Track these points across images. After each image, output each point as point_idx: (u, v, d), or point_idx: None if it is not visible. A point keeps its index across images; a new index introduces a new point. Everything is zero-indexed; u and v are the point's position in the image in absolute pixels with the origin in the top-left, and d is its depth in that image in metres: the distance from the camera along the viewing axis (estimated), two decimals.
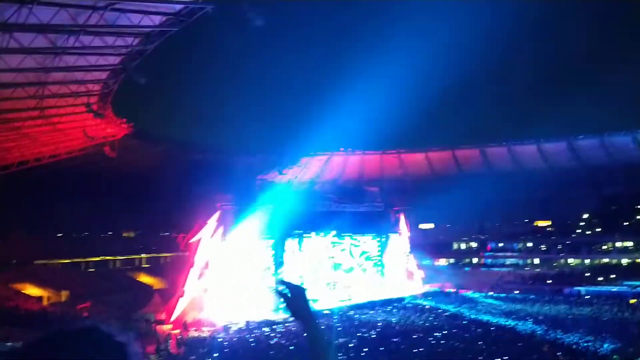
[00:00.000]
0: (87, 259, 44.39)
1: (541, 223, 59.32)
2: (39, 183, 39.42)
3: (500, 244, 58.56)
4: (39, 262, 39.81)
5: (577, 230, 56.17)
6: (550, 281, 46.56)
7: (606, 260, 51.24)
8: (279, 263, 37.69)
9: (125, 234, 51.86)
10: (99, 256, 45.01)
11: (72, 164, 39.68)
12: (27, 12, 18.28)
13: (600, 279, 45.06)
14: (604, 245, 52.97)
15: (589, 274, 47.53)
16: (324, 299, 38.95)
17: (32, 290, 35.95)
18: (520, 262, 55.61)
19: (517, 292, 41.87)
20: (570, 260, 53.57)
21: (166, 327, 30.45)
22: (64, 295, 36.68)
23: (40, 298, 35.37)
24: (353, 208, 43.28)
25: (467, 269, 56.27)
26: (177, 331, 29.65)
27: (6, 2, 17.88)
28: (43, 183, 39.79)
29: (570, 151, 56.47)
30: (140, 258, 48.50)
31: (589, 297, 37.75)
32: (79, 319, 29.24)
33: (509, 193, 57.71)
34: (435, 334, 24.56)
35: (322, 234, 40.75)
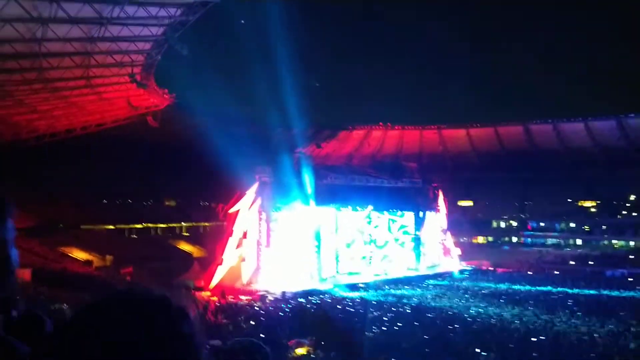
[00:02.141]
0: (130, 226, 45.80)
1: (585, 203, 57.72)
2: (85, 150, 40.66)
3: (542, 224, 57.37)
4: (85, 227, 41.34)
5: (623, 212, 54.45)
6: (592, 262, 45.47)
7: None
8: (315, 236, 37.97)
9: (167, 203, 53.15)
10: (141, 223, 46.36)
11: (117, 132, 40.71)
12: None
13: None
14: None
15: (633, 257, 46.18)
16: (360, 273, 39.23)
17: (78, 254, 37.44)
18: (562, 242, 54.41)
19: (557, 272, 41.04)
20: (614, 242, 52.10)
21: (205, 294, 31.27)
22: (108, 259, 38.08)
23: (86, 262, 36.82)
24: (391, 183, 43.01)
25: (506, 247, 55.50)
26: (215, 298, 30.41)
27: None
28: (90, 151, 41.02)
29: (619, 130, 54.42)
30: (181, 226, 49.72)
31: (632, 279, 36.72)
32: (122, 283, 30.38)
33: (553, 171, 56.30)
34: (470, 311, 24.45)
35: (358, 208, 40.73)
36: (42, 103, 31.99)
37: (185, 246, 46.62)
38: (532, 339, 18.32)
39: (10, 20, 20.14)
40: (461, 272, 42.58)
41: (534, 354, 16.04)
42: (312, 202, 37.50)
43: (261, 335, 17.13)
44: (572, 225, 55.49)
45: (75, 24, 22.41)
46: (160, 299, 1.09)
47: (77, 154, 40.44)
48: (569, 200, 57.61)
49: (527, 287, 33.16)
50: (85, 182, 42.47)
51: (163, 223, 48.37)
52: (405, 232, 43.96)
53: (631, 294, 30.06)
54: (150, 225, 47.36)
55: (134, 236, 45.53)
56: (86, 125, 38.80)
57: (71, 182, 41.60)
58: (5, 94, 27.72)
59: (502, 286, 33.96)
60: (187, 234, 49.24)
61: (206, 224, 49.60)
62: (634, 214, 53.54)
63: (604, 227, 53.24)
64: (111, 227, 44.16)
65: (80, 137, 38.95)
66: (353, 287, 34.71)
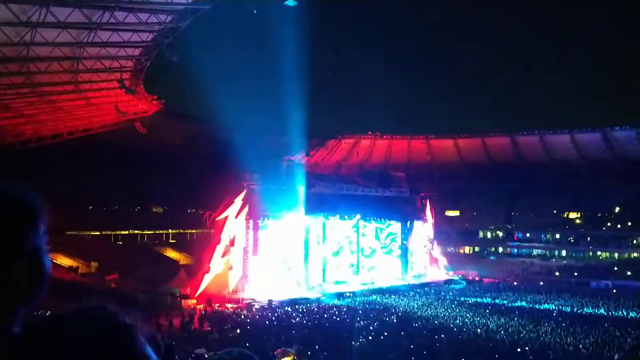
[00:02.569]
0: (116, 232, 45.37)
1: (571, 215, 58.24)
2: (72, 156, 40.30)
3: (528, 234, 57.77)
4: (70, 233, 40.88)
5: (608, 223, 55.01)
6: (577, 274, 45.85)
7: (636, 254, 50.12)
8: (302, 245, 37.92)
9: (154, 209, 52.80)
10: (127, 229, 45.96)
11: (104, 138, 40.40)
12: None
13: (629, 273, 44.18)
14: (635, 239, 51.79)
15: (617, 268, 46.65)
16: (347, 281, 39.22)
17: (63, 260, 36.98)
18: (547, 253, 54.80)
19: (542, 283, 41.33)
20: (599, 254, 52.59)
21: (191, 302, 31.05)
22: (94, 266, 37.67)
23: (71, 268, 36.37)
24: (378, 193, 43.17)
25: (492, 257, 55.77)
26: (201, 306, 30.21)
27: None
28: (76, 156, 40.66)
29: (605, 142, 55.10)
30: (168, 233, 49.37)
31: (615, 291, 37.09)
32: (106, 291, 30.05)
33: (539, 183, 56.77)
34: (456, 321, 24.52)
35: (346, 217, 40.79)
36: (29, 107, 31.70)
37: (171, 253, 46.30)
38: (518, 349, 18.42)
39: None
40: (447, 282, 42.71)
41: None
42: (300, 210, 37.49)
43: (247, 344, 17.05)
44: (558, 236, 55.95)
45: (65, 29, 22.29)
46: (90, 310, 1.08)
47: (63, 159, 40.07)
48: (554, 211, 58.10)
49: (513, 298, 33.36)
50: (71, 188, 42.04)
51: (150, 230, 47.99)
52: (393, 240, 44.08)
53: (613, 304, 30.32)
54: (136, 231, 46.97)
55: (120, 242, 45.11)
56: (73, 131, 38.48)
57: (57, 187, 41.15)
58: None
59: (488, 296, 34.13)
60: (174, 241, 48.89)
61: (193, 231, 49.30)
62: (618, 225, 54.11)
63: (589, 238, 53.74)
64: (97, 233, 43.72)
65: (66, 142, 38.60)
66: (340, 295, 34.68)
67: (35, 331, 1.04)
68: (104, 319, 1.08)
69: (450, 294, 35.93)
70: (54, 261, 35.96)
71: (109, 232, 44.73)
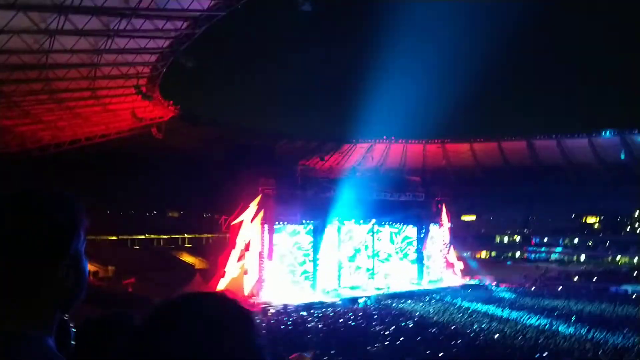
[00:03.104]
0: (133, 236, 45.76)
1: (589, 219, 57.48)
2: (89, 162, 40.80)
3: (545, 239, 57.11)
4: (88, 238, 41.24)
5: (627, 228, 54.19)
6: (596, 279, 45.18)
7: None
8: (317, 249, 37.91)
9: (170, 214, 53.18)
10: (144, 234, 46.34)
11: (121, 144, 40.88)
12: None
13: None
14: None
15: (637, 273, 45.90)
16: (362, 286, 39.09)
17: None
18: (566, 258, 54.10)
19: (560, 288, 40.80)
20: (618, 258, 51.79)
21: None
22: (111, 270, 38.01)
23: (89, 272, 36.73)
24: (394, 197, 42.98)
25: (509, 262, 55.20)
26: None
27: None
28: (93, 162, 41.15)
29: (623, 146, 54.37)
30: (184, 238, 49.68)
31: (635, 296, 36.47)
32: (122, 296, 30.29)
33: (557, 187, 56.17)
34: (473, 327, 24.29)
35: (361, 221, 40.69)
36: (47, 114, 32.20)
37: (187, 257, 46.56)
38: (536, 355, 18.19)
39: (19, 32, 20.34)
40: (463, 287, 42.33)
41: None
42: (315, 215, 37.52)
43: None
44: (576, 241, 55.22)
45: (83, 36, 22.63)
46: (239, 310, 1.08)
47: (80, 165, 40.56)
48: (572, 216, 57.40)
49: (531, 303, 32.97)
50: (88, 193, 42.51)
51: (166, 234, 48.34)
52: (409, 244, 43.87)
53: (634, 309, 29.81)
54: (153, 236, 47.33)
55: (137, 247, 45.49)
56: (90, 136, 38.98)
57: (74, 192, 41.58)
58: (12, 104, 27.91)
59: (506, 302, 33.77)
60: (190, 246, 49.19)
61: (209, 235, 49.56)
62: (638, 230, 53.27)
63: (607, 243, 52.95)
64: (114, 237, 44.13)
65: (84, 147, 39.12)
66: (355, 300, 34.58)
67: (154, 318, 1.02)
68: (226, 304, 1.06)
69: (467, 299, 35.60)
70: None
71: (125, 237, 45.12)
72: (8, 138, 33.94)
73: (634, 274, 45.82)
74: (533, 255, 56.00)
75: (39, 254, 1.20)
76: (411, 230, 44.33)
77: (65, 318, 1.36)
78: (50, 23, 20.43)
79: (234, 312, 1.06)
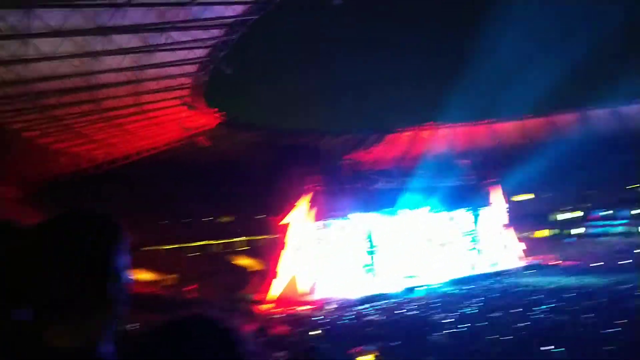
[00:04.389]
0: (190, 244, 46.94)
1: None
2: (142, 175, 42.08)
3: (607, 212, 54.85)
4: (147, 248, 42.68)
5: None
6: None
7: None
8: (371, 241, 37.79)
9: (223, 219, 54.21)
10: (201, 241, 47.44)
11: (170, 155, 41.98)
12: (121, 14, 19.39)
13: None
14: None
15: None
16: (419, 275, 38.69)
17: (144, 275, 38.65)
18: (630, 229, 51.81)
19: (629, 260, 39.08)
20: None
21: (264, 307, 31.62)
22: (172, 278, 39.13)
23: (151, 282, 37.97)
24: (445, 182, 42.29)
25: (570, 239, 53.35)
26: (275, 310, 30.70)
27: (101, 7, 19.07)
28: (146, 175, 42.42)
29: None
30: (239, 241, 50.54)
31: None
32: (188, 302, 31.15)
33: (613, 156, 53.83)
34: (540, 307, 23.62)
35: (415, 210, 40.26)
36: (99, 133, 33.44)
37: (243, 260, 47.35)
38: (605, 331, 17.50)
39: (65, 57, 21.19)
40: (525, 268, 41.23)
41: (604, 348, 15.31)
42: (365, 208, 37.42)
43: (324, 344, 17.14)
44: (639, 211, 52.77)
45: (125, 54, 23.35)
46: (216, 323, 1.19)
47: (133, 179, 41.89)
48: (634, 185, 54.84)
49: (598, 279, 31.77)
50: (144, 205, 43.89)
51: (221, 239, 49.33)
52: (463, 233, 43.12)
53: None
54: (209, 242, 48.41)
55: (195, 254, 46.62)
56: (140, 150, 40.21)
57: (130, 206, 43.11)
58: (65, 127, 29.13)
59: (571, 280, 32.71)
60: (245, 248, 50.01)
61: (262, 237, 50.24)
62: None
63: None
64: (172, 246, 45.39)
65: (136, 162, 40.39)
66: (413, 289, 34.29)
67: (154, 337, 1.16)
68: (215, 325, 1.18)
69: (529, 280, 34.68)
70: (135, 277, 37.81)
71: (183, 245, 46.33)
72: (64, 159, 35.45)
73: None
74: (595, 230, 53.94)
75: (83, 272, 1.27)
76: (466, 215, 43.56)
77: (127, 328, 1.42)
78: (94, 45, 21.18)
79: (211, 328, 1.18)
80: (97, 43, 21.04)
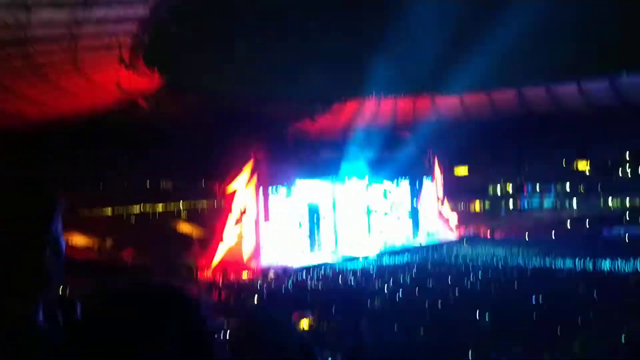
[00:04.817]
0: (127, 208, 45.82)
1: (580, 164, 57.95)
2: (78, 136, 40.38)
3: (538, 187, 57.67)
4: (83, 212, 41.36)
5: (618, 172, 54.74)
6: (589, 223, 45.90)
7: None
8: (313, 210, 38.14)
9: (163, 184, 53.08)
10: (139, 205, 46.38)
11: (108, 116, 40.41)
12: None
13: None
14: None
15: (630, 216, 46.66)
16: (360, 245, 39.55)
17: (78, 239, 37.53)
18: (558, 205, 54.79)
19: (554, 235, 41.46)
20: (610, 202, 52.52)
21: (206, 274, 31.53)
22: (108, 243, 38.20)
23: (86, 247, 36.95)
24: (386, 153, 43.06)
25: (502, 213, 55.86)
26: (217, 277, 30.68)
27: None
28: (82, 136, 40.74)
29: (612, 90, 54.27)
30: (179, 207, 49.75)
31: (629, 239, 37.17)
32: (124, 267, 30.59)
33: (548, 135, 56.33)
34: (473, 276, 24.75)
35: (354, 179, 40.84)
36: (30, 89, 31.67)
37: (184, 226, 46.75)
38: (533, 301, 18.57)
39: None
40: (459, 239, 42.95)
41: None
42: (308, 176, 37.61)
43: (265, 310, 17.35)
44: (568, 187, 55.82)
45: (59, 8, 22.05)
46: (176, 290, 1.20)
47: (70, 140, 40.16)
48: (564, 162, 57.80)
49: (528, 253, 33.53)
50: (81, 168, 42.30)
51: (161, 204, 48.37)
52: (401, 203, 44.20)
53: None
54: (148, 207, 47.38)
55: (132, 218, 45.59)
56: (76, 111, 38.45)
57: (66, 168, 41.44)
58: None
59: (500, 251, 34.38)
60: (185, 214, 49.32)
61: (204, 203, 49.64)
62: (628, 174, 53.86)
63: (599, 187, 53.57)
64: (109, 210, 44.17)
65: (71, 123, 38.64)
66: (353, 259, 35.05)
67: (116, 302, 1.16)
68: (175, 291, 1.20)
69: (463, 251, 36.18)
70: (69, 241, 36.62)
71: (120, 209, 45.17)
72: None
73: (627, 217, 46.57)
74: (526, 204, 56.67)
75: (19, 242, 1.25)
76: (405, 186, 44.62)
77: (67, 295, 1.41)
78: None
79: (172, 294, 1.20)
80: None
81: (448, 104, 61.65)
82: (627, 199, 51.31)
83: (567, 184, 56.01)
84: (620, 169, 55.02)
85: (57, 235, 1.35)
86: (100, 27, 25.89)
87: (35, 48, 25.21)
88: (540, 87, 57.79)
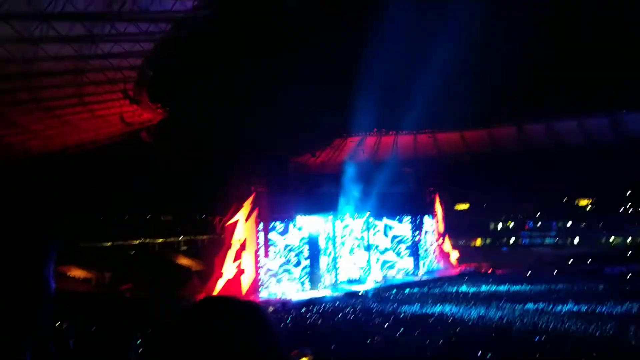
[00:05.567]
0: (128, 242, 45.66)
1: (582, 201, 57.95)
2: (80, 168, 40.59)
3: (539, 223, 57.52)
4: (82, 245, 41.18)
5: (620, 208, 54.69)
6: (591, 260, 45.56)
7: None
8: (313, 245, 37.97)
9: (163, 217, 53.05)
10: (139, 239, 46.23)
11: (111, 149, 40.70)
12: (64, 1, 18.69)
13: None
14: None
15: (631, 253, 46.36)
16: (360, 280, 39.23)
17: (76, 272, 37.28)
18: (560, 241, 54.54)
19: (556, 271, 41.09)
20: (612, 239, 52.26)
21: None
22: (107, 276, 37.90)
23: (85, 279, 36.66)
24: (387, 189, 43.07)
25: (504, 249, 55.57)
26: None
27: None
28: (84, 168, 40.95)
29: (613, 127, 54.72)
30: (179, 241, 49.60)
31: (630, 275, 36.81)
32: (122, 300, 30.23)
33: (548, 171, 56.52)
34: (471, 313, 24.47)
35: (356, 215, 40.78)
36: (35, 123, 31.98)
37: (183, 260, 46.50)
38: (535, 339, 18.34)
39: (1, 41, 20.19)
40: (460, 275, 42.58)
41: (537, 355, 16.05)
42: (309, 211, 37.56)
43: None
44: (569, 223, 55.68)
45: (66, 43, 22.48)
46: (250, 304, 1.23)
47: (71, 172, 40.35)
48: (565, 199, 57.84)
49: (527, 287, 33.24)
50: (81, 200, 42.35)
51: (161, 238, 48.23)
52: (402, 240, 43.99)
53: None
54: (148, 240, 47.23)
55: (132, 252, 45.38)
56: (80, 144, 38.77)
57: (67, 200, 41.47)
58: None
59: (502, 288, 34.03)
60: (185, 248, 49.13)
61: (204, 237, 49.50)
62: (629, 210, 53.79)
63: (600, 224, 53.43)
64: (109, 243, 44.00)
65: (74, 155, 38.91)
66: (354, 294, 34.68)
67: (190, 315, 1.16)
68: (245, 306, 1.21)
69: (464, 287, 35.81)
70: (68, 274, 36.38)
71: (120, 242, 45.01)
72: None
73: (628, 254, 46.25)
74: (527, 240, 56.41)
75: (15, 272, 1.26)
76: (406, 222, 44.48)
77: (64, 326, 1.42)
78: (33, 30, 20.29)
79: (247, 309, 1.20)
80: (37, 29, 20.17)
81: (449, 139, 62.10)
82: (630, 237, 51.09)
83: (569, 221, 55.89)
84: (622, 206, 54.96)
85: (48, 276, 1.36)
86: (106, 62, 26.34)
87: (42, 82, 25.60)
88: (540, 123, 58.37)
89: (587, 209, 57.27)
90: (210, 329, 1.12)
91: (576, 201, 58.11)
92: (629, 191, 55.24)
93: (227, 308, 1.21)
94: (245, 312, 1.22)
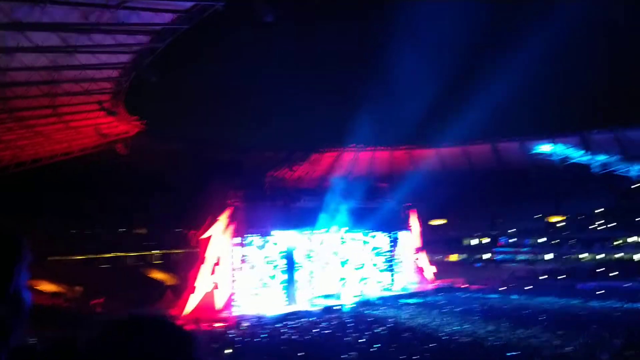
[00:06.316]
0: (100, 255, 44.81)
1: (554, 218, 58.96)
2: (52, 180, 39.85)
3: (512, 240, 58.30)
4: (53, 259, 40.28)
5: (590, 226, 55.77)
6: (563, 276, 46.31)
7: (620, 255, 50.90)
8: (289, 260, 37.83)
9: (137, 231, 52.27)
10: (112, 252, 45.42)
11: (85, 161, 40.06)
12: (40, 10, 18.48)
13: (613, 274, 44.77)
14: (618, 240, 52.57)
15: (602, 269, 47.24)
16: (336, 295, 39.12)
17: (47, 287, 36.37)
18: (532, 257, 55.32)
19: (528, 287, 41.63)
20: (583, 256, 53.22)
21: (179, 322, 30.71)
22: (78, 291, 37.09)
23: (55, 294, 35.78)
24: (363, 204, 43.25)
25: (478, 264, 56.11)
26: (189, 326, 29.87)
27: (19, 1, 18.09)
28: (57, 180, 40.22)
29: (583, 146, 55.94)
30: (153, 254, 48.87)
31: (602, 292, 37.46)
32: (92, 315, 29.59)
33: (522, 189, 57.46)
34: (446, 330, 24.57)
35: (332, 230, 40.78)
36: (7, 133, 31.36)
37: (157, 274, 45.81)
38: (507, 354, 18.49)
39: None
40: (436, 291, 42.84)
41: None
42: (285, 225, 37.45)
43: None
44: (542, 240, 56.55)
45: (42, 53, 22.19)
46: (155, 321, 1.20)
47: (43, 184, 39.60)
48: (538, 216, 58.78)
49: (501, 303, 33.57)
50: (53, 212, 41.53)
51: (134, 251, 47.46)
52: (378, 254, 44.11)
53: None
54: (120, 254, 46.42)
55: (104, 266, 44.54)
56: (53, 155, 38.08)
57: (38, 212, 40.65)
58: None
59: (476, 303, 34.31)
60: (160, 262, 48.41)
61: (178, 251, 48.88)
62: (600, 227, 54.88)
63: (572, 241, 54.38)
64: (80, 257, 43.13)
65: (46, 167, 38.17)
66: (330, 309, 34.57)
67: (110, 333, 1.14)
68: (169, 325, 1.19)
69: (439, 302, 36.01)
70: (38, 288, 35.47)
71: (92, 256, 44.15)
72: None
73: (599, 270, 47.12)
74: (501, 256, 57.08)
75: None
76: (382, 237, 44.64)
77: (30, 343, 1.40)
78: (7, 40, 19.99)
79: (171, 330, 1.19)
80: (11, 38, 19.89)
81: (425, 156, 62.73)
82: (602, 254, 52.10)
83: (542, 238, 56.75)
84: (594, 223, 56.05)
85: (20, 287, 1.34)
86: (81, 73, 26.05)
87: (15, 92, 25.17)
88: (514, 141, 59.35)
89: (560, 226, 58.27)
90: (124, 349, 1.12)
91: (549, 218, 59.13)
92: (600, 210, 56.42)
93: (148, 329, 1.21)
94: (168, 337, 1.22)
